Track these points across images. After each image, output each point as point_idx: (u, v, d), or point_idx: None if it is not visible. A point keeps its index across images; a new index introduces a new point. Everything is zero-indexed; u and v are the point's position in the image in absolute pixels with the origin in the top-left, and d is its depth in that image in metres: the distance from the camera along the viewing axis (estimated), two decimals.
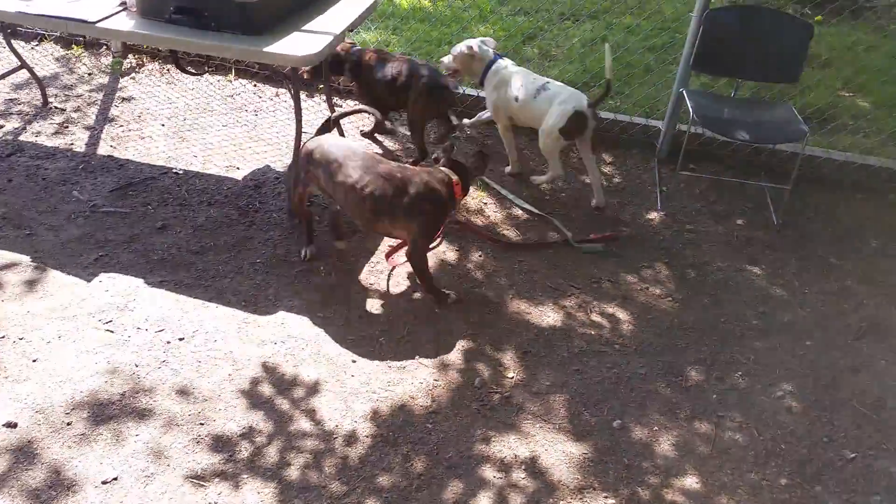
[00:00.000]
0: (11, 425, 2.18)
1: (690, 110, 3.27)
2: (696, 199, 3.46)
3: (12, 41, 3.78)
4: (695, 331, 2.72)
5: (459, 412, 2.35)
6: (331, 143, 2.71)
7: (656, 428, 2.34)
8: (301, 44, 2.78)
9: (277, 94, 4.05)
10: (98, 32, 2.91)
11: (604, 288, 2.90)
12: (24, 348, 2.44)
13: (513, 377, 2.49)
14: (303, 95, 3.84)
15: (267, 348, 2.53)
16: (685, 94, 3.42)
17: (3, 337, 2.47)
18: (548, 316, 2.74)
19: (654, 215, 3.33)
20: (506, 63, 3.31)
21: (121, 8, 2.94)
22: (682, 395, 2.46)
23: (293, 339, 2.57)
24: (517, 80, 3.25)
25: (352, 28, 3.12)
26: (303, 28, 2.91)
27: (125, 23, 2.86)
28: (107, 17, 2.87)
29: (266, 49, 2.74)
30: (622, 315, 2.77)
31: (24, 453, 2.11)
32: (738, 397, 2.47)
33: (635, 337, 2.68)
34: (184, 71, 3.55)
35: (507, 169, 3.52)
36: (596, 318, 2.75)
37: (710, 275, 3.00)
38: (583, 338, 2.66)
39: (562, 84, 3.24)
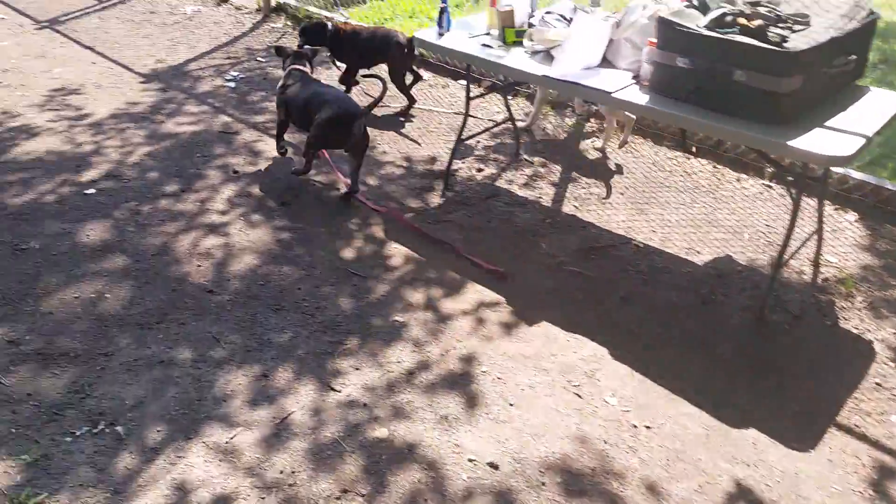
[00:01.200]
0: (494, 466, 2.29)
1: None
2: None
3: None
4: None
5: None
6: None
7: None
8: (827, 142, 2.51)
9: (738, 180, 3.82)
10: (614, 103, 3.04)
11: None
12: (502, 389, 2.58)
13: None
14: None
15: (739, 469, 2.26)
16: None
17: (485, 372, 2.66)
18: None
19: None
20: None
21: (633, 81, 3.03)
22: None
23: (767, 467, 2.26)
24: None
25: (880, 132, 2.72)
26: (825, 124, 2.64)
27: (638, 96, 2.93)
28: (621, 89, 2.98)
29: (790, 143, 2.53)
30: None
31: (505, 500, 2.18)
32: None
33: None
34: (688, 152, 3.55)
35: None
36: None
37: None
38: None
39: None
